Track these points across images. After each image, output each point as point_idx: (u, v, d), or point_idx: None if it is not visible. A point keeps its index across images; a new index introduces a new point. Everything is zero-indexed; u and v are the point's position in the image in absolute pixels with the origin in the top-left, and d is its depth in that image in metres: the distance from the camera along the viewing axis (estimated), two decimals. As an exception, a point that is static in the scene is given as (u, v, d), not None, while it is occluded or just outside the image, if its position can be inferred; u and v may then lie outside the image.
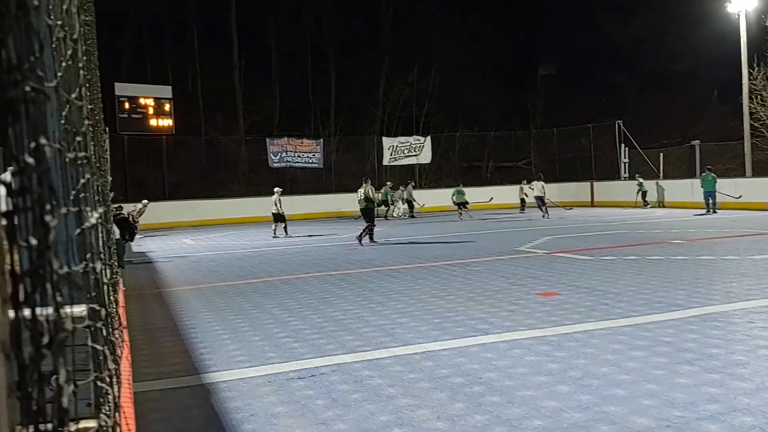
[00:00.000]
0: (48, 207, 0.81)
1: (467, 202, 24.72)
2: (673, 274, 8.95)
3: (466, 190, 25.52)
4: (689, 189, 25.57)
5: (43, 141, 0.82)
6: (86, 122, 2.32)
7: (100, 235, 2.69)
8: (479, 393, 4.35)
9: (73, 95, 1.90)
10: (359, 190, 16.10)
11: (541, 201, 22.81)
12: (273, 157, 30.74)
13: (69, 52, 1.82)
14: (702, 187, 22.08)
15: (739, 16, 25.12)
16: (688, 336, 5.56)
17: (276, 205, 19.19)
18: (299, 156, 31.12)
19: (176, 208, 28.04)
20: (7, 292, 0.71)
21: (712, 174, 21.96)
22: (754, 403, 3.91)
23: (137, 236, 20.25)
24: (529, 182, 25.92)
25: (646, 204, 26.02)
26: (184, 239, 20.37)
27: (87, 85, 2.67)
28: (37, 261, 0.78)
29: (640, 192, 26.10)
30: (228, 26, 38.84)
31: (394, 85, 40.88)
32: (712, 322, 6.05)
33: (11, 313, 0.71)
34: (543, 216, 22.42)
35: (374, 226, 16.07)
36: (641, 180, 26.38)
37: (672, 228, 16.62)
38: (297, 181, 30.78)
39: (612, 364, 4.85)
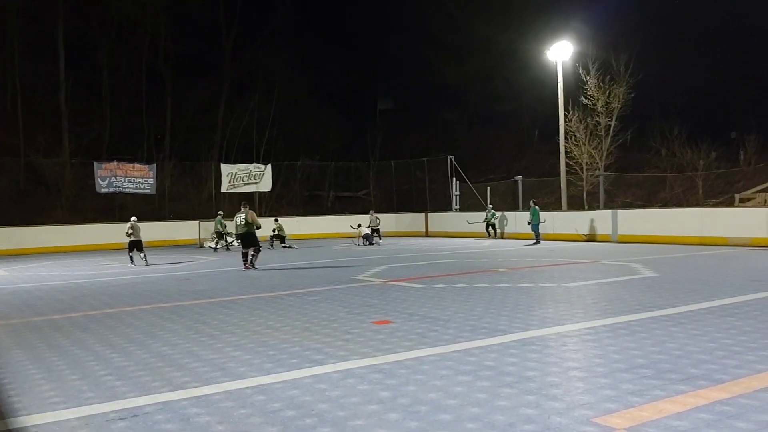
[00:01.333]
0: None
1: (277, 235, 25.67)
2: (497, 301, 9.49)
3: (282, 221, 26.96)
4: (513, 220, 27.46)
5: None
6: None
7: None
8: (311, 425, 4.32)
9: None
10: (239, 215, 16.04)
11: (377, 233, 25.63)
12: (101, 182, 28.95)
13: None
14: (530, 222, 23.41)
15: (556, 64, 27.57)
16: (509, 360, 5.90)
17: (137, 232, 18.53)
18: (130, 181, 29.54)
19: (-12, 236, 25.57)
20: None
21: (537, 207, 23.70)
22: (565, 421, 4.21)
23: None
24: (376, 213, 26.93)
25: (496, 234, 27.15)
26: (-5, 270, 18.53)
27: None
28: None
29: (488, 222, 27.05)
30: (54, 40, 36.21)
31: (234, 111, 40.24)
32: (530, 346, 6.47)
33: None
34: (365, 244, 24.82)
35: (260, 249, 16.41)
36: (493, 211, 27.45)
37: (497, 257, 17.68)
38: (126, 208, 29.17)
39: (439, 390, 5.02)
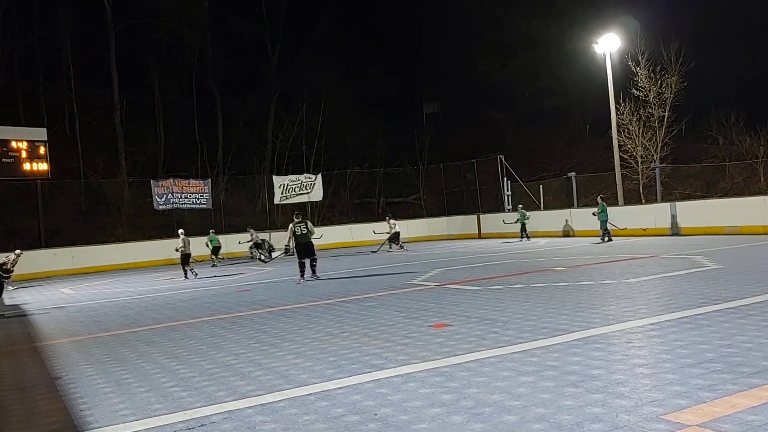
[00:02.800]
0: None
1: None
2: (557, 300, 9.34)
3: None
4: (567, 218, 27.00)
5: None
6: None
7: None
8: (375, 430, 4.32)
9: None
10: (298, 225, 15.69)
11: (395, 238, 25.19)
12: (158, 199, 29.74)
13: None
14: (597, 216, 22.07)
15: (605, 56, 27.03)
16: (572, 359, 5.79)
17: (187, 245, 19.16)
18: (186, 197, 30.27)
19: (53, 256, 26.52)
20: None
21: (605, 202, 22.39)
22: (633, 419, 4.11)
23: (9, 288, 18.91)
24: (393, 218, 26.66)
25: (523, 236, 25.80)
26: (63, 289, 19.18)
27: None
28: None
29: (520, 223, 25.97)
30: (107, 64, 37.46)
31: (283, 124, 40.80)
32: (593, 344, 6.33)
33: None
34: (399, 251, 24.65)
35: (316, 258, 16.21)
36: (524, 211, 26.57)
37: (554, 256, 17.41)
38: (184, 223, 29.83)
39: (502, 391, 4.97)
